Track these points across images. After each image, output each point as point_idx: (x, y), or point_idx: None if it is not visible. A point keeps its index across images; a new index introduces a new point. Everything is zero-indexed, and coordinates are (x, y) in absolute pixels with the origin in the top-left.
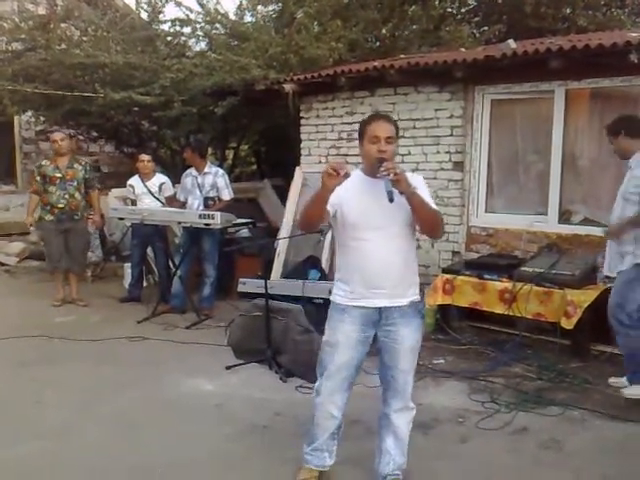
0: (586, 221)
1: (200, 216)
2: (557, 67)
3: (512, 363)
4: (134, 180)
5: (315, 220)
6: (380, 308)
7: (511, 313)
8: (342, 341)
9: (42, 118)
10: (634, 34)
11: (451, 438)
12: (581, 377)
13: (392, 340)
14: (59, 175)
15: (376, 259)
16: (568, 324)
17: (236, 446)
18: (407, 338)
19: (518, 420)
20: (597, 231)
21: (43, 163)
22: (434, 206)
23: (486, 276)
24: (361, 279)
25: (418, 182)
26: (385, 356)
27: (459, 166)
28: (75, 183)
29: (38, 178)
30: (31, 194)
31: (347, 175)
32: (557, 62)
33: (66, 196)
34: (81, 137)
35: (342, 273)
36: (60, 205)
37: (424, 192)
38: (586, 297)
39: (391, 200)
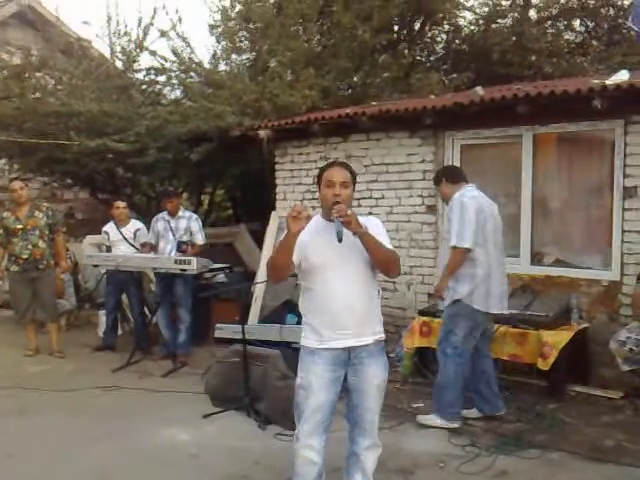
0: (558, 262)
1: (176, 261)
2: (524, 112)
3: None
4: (109, 227)
5: (284, 268)
6: (348, 348)
7: None
8: (315, 383)
9: (16, 166)
10: (596, 81)
11: None
12: (559, 418)
13: (360, 379)
14: (20, 226)
15: (339, 299)
16: (544, 365)
17: None
18: (374, 376)
19: (498, 463)
20: (569, 272)
21: (4, 215)
22: (389, 246)
23: None
24: (326, 321)
25: (372, 224)
26: (353, 395)
27: (432, 209)
28: (37, 232)
29: (0, 231)
30: None
31: (309, 217)
32: (524, 108)
33: (29, 246)
34: (55, 184)
35: (308, 316)
36: (24, 255)
37: (379, 233)
38: (561, 337)
39: (339, 240)
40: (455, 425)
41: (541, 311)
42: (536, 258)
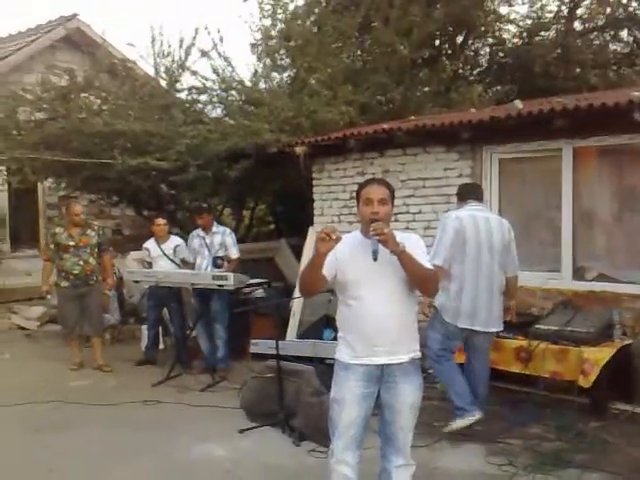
0: (601, 277)
1: (214, 277)
2: (563, 126)
3: (530, 423)
4: (150, 243)
5: (313, 286)
6: (381, 365)
7: (528, 372)
8: (348, 398)
9: (63, 184)
10: (636, 93)
11: None
12: (600, 437)
13: (392, 397)
14: (72, 243)
15: (373, 317)
16: (586, 382)
17: None
18: (407, 396)
19: None
20: (612, 287)
21: (57, 231)
22: (427, 264)
23: (501, 334)
24: (360, 337)
25: (412, 241)
26: (386, 412)
27: None
28: (88, 249)
29: (52, 246)
30: (45, 262)
31: (339, 239)
32: (562, 121)
33: (80, 262)
34: (102, 202)
35: (343, 332)
36: (75, 271)
37: (418, 251)
38: (603, 354)
39: (375, 259)
40: (474, 417)
41: (583, 327)
42: (578, 273)
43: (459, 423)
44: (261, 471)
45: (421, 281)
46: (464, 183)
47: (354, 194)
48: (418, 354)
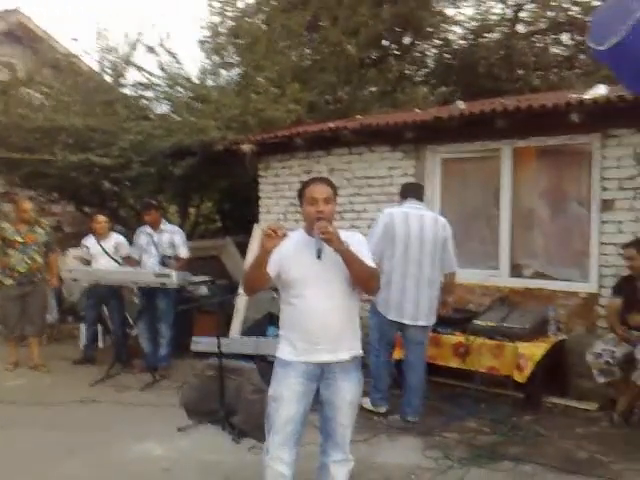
0: (537, 274)
1: (156, 275)
2: (503, 126)
3: (466, 417)
4: (89, 240)
5: (257, 284)
6: (322, 363)
7: (465, 367)
8: (286, 395)
9: (1, 181)
10: (574, 95)
11: None
12: (534, 430)
13: (332, 394)
14: (19, 239)
15: (315, 316)
16: (520, 377)
17: None
18: (347, 392)
19: (471, 476)
20: (548, 284)
21: (3, 226)
22: (370, 263)
23: (440, 330)
24: (302, 335)
25: (355, 240)
26: (325, 408)
27: None
28: (36, 247)
29: None
30: None
31: (285, 236)
32: (503, 122)
33: (27, 260)
34: (42, 198)
35: (285, 330)
36: (21, 269)
37: (362, 249)
38: (537, 350)
39: (319, 257)
40: (380, 409)
41: (518, 323)
42: (515, 270)
43: (366, 404)
44: (200, 469)
45: (364, 279)
46: (406, 182)
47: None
48: (359, 352)
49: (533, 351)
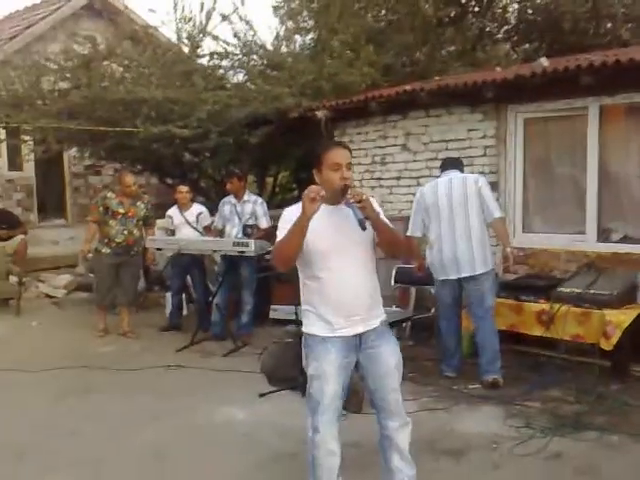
0: (625, 239)
1: (234, 244)
2: (589, 83)
3: (550, 386)
4: (172, 211)
5: (294, 254)
6: (359, 334)
7: (549, 335)
8: (329, 371)
9: (87, 154)
10: None
11: (484, 465)
12: (621, 399)
13: (374, 363)
14: (122, 211)
15: (350, 287)
16: (607, 345)
17: (264, 475)
18: (389, 356)
19: (553, 445)
20: (637, 249)
21: (108, 195)
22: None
23: (523, 298)
24: (336, 309)
25: (374, 204)
26: (370, 381)
27: (494, 186)
28: (135, 220)
29: (101, 209)
30: (91, 223)
31: (324, 198)
32: (589, 78)
33: (125, 232)
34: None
35: (314, 305)
36: (118, 240)
37: (380, 213)
38: (625, 317)
39: (364, 228)
40: (447, 374)
41: (606, 290)
42: (603, 235)
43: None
44: (278, 434)
45: (393, 244)
46: (446, 157)
47: (376, 158)
48: (385, 316)
49: (621, 318)
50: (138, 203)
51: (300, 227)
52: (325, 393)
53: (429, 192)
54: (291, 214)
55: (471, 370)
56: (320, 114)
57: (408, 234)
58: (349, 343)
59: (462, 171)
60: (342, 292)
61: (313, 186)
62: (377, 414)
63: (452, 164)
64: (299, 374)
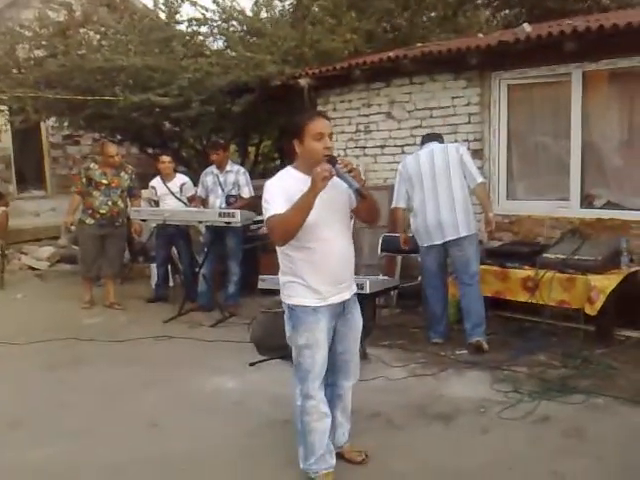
0: (609, 205)
1: (220, 214)
2: (573, 49)
3: (536, 351)
4: (156, 181)
5: (298, 229)
6: (344, 301)
7: (534, 301)
8: (321, 339)
9: (66, 123)
10: None
11: (472, 429)
12: (605, 363)
13: (348, 327)
14: (105, 181)
15: (338, 255)
16: (592, 310)
17: (256, 441)
18: (359, 321)
19: (541, 409)
20: (621, 214)
21: (91, 166)
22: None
23: (508, 264)
24: (326, 278)
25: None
26: (338, 345)
27: (478, 154)
28: (119, 191)
29: (84, 180)
30: (74, 194)
31: (332, 176)
32: (572, 44)
33: (109, 202)
34: (106, 140)
35: (302, 276)
36: (102, 210)
37: None
38: (609, 282)
39: (363, 196)
40: (435, 340)
41: (590, 255)
42: (586, 201)
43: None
44: (269, 401)
45: (373, 211)
46: (426, 134)
47: (360, 126)
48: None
49: (605, 283)
50: (122, 173)
51: (308, 204)
52: (317, 361)
53: (411, 162)
54: (279, 187)
55: (458, 336)
56: (303, 82)
57: (393, 205)
58: (335, 310)
59: (442, 142)
60: (331, 260)
61: (325, 165)
62: (331, 376)
63: (431, 138)
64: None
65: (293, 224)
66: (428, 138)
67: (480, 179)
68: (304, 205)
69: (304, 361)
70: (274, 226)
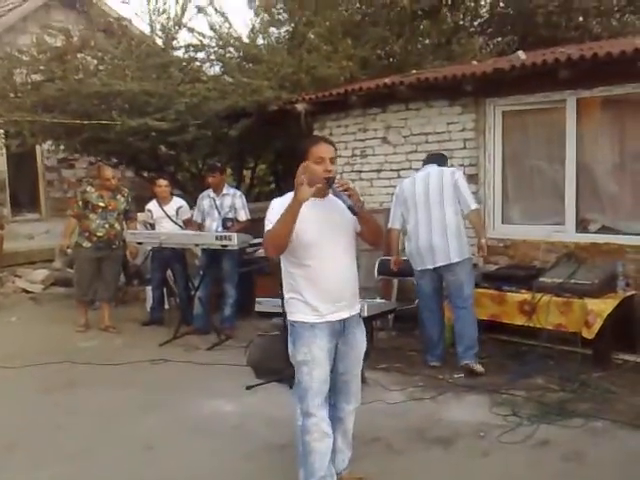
0: (604, 229)
1: (217, 237)
2: (567, 77)
3: (534, 375)
4: (152, 205)
5: (285, 241)
6: (343, 319)
7: (531, 324)
8: (318, 355)
9: (62, 147)
10: None
11: (472, 453)
12: (603, 387)
13: (349, 347)
14: (102, 204)
15: (337, 274)
16: (589, 334)
17: (253, 465)
18: (362, 342)
19: (540, 433)
20: (616, 239)
21: (87, 189)
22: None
23: (505, 288)
24: (323, 296)
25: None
26: (339, 365)
27: (473, 178)
28: (115, 214)
29: (80, 203)
30: (70, 217)
31: (316, 188)
32: (566, 72)
33: (106, 225)
34: (101, 164)
35: (300, 292)
36: (99, 233)
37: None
38: (606, 306)
39: (355, 213)
40: (432, 364)
41: (586, 279)
42: (581, 225)
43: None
44: (267, 425)
45: (375, 232)
46: (430, 153)
47: (356, 151)
48: (360, 304)
49: (602, 307)
50: (118, 196)
51: (292, 213)
52: (314, 377)
53: (408, 185)
54: (281, 205)
55: (455, 359)
56: (300, 107)
57: (388, 226)
58: (334, 328)
59: (442, 165)
60: (330, 279)
61: (306, 174)
62: (333, 397)
63: (433, 159)
64: (286, 366)
65: (279, 235)
66: (429, 160)
67: (474, 206)
68: (287, 215)
69: (302, 378)
70: (265, 239)
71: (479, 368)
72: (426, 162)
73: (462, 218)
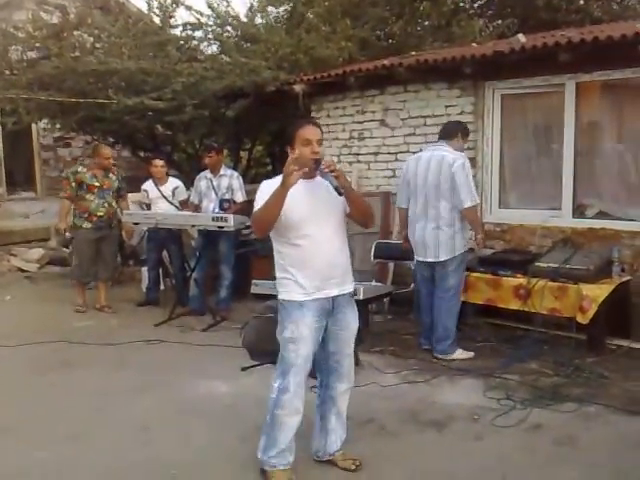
0: (601, 214)
1: (213, 219)
2: (567, 60)
3: (528, 359)
4: (148, 185)
5: (273, 222)
6: (332, 297)
7: (526, 309)
8: (305, 333)
9: (58, 125)
10: None
11: (465, 436)
12: (597, 372)
13: (339, 327)
14: (97, 184)
15: (326, 252)
16: (583, 319)
17: (248, 445)
18: (352, 322)
19: (533, 417)
20: (612, 224)
21: (79, 170)
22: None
23: (500, 272)
24: (313, 274)
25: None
26: (331, 343)
27: (471, 162)
28: (111, 192)
29: (73, 184)
30: (64, 199)
31: (304, 173)
32: (566, 55)
33: (105, 204)
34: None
35: (291, 271)
36: (99, 213)
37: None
38: (601, 291)
39: (341, 193)
40: (426, 347)
41: (582, 264)
42: (578, 211)
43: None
44: (260, 406)
45: (363, 213)
46: (448, 121)
47: (354, 133)
48: (354, 284)
49: (597, 292)
50: (110, 175)
51: (279, 197)
52: (299, 355)
53: (412, 166)
54: (269, 187)
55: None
56: (297, 88)
57: (397, 205)
58: (323, 307)
59: (450, 138)
60: (319, 258)
61: (293, 158)
62: (325, 377)
63: (442, 131)
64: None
65: (265, 217)
66: (442, 131)
67: (467, 204)
68: (274, 199)
69: (287, 355)
70: (253, 219)
71: (453, 356)
72: (440, 137)
73: (458, 211)
